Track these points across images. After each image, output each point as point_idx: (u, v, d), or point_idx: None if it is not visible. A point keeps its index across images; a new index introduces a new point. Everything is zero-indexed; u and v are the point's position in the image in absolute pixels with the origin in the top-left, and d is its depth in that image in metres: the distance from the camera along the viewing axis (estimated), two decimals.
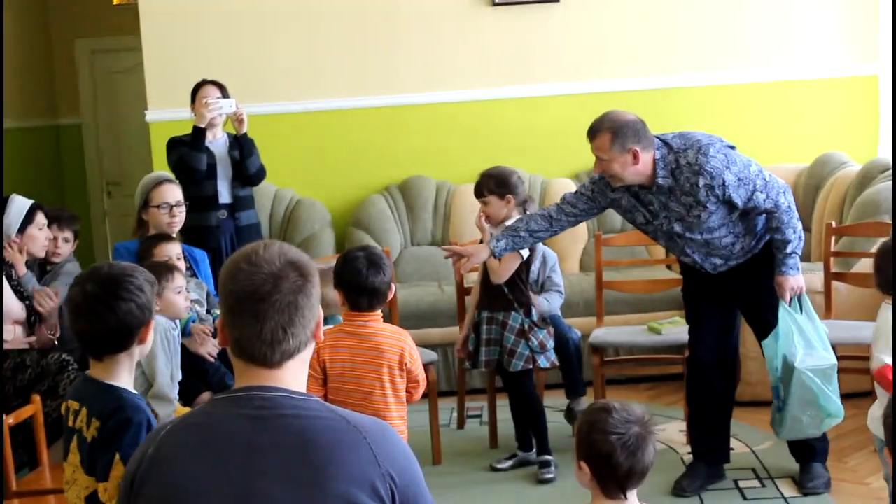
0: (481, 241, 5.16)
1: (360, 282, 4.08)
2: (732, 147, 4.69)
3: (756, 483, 5.02)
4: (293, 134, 7.51)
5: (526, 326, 5.21)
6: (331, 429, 2.19)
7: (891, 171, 6.32)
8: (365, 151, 7.53)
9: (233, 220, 6.24)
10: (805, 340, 4.65)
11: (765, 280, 4.74)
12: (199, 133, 6.08)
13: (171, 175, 5.75)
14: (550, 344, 5.29)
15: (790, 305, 4.68)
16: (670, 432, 5.76)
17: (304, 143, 7.52)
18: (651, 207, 4.74)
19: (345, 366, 4.07)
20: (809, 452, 4.98)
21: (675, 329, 5.72)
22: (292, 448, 2.16)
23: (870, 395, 5.28)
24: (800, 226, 4.70)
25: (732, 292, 4.89)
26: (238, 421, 2.19)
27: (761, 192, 4.58)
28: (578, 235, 7.26)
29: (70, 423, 2.96)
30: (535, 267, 5.59)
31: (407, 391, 4.17)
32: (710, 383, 4.99)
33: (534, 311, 5.26)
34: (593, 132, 4.65)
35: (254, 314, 2.20)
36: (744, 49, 7.44)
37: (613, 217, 7.32)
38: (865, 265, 5.82)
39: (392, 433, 2.28)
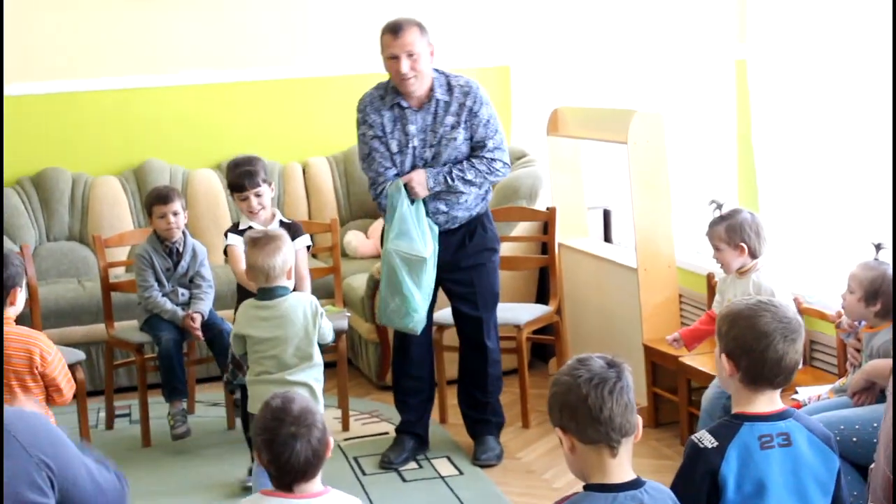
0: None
1: None
2: None
3: (413, 465, 5.11)
4: None
5: None
6: None
7: (527, 159, 6.60)
8: None
9: None
10: (403, 227, 4.81)
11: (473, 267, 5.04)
12: None
13: None
14: None
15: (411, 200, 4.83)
16: (326, 419, 5.76)
17: None
18: (411, 128, 4.89)
19: None
20: (483, 426, 5.17)
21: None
22: None
23: (515, 373, 5.53)
24: (483, 192, 5.02)
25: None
26: None
27: (492, 140, 4.93)
28: (222, 224, 7.08)
29: None
30: (184, 262, 5.49)
31: (49, 396, 3.97)
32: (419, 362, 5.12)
33: None
34: (401, 26, 4.78)
35: None
36: None
37: None
38: (506, 248, 6.05)
39: (35, 419, 2.18)
